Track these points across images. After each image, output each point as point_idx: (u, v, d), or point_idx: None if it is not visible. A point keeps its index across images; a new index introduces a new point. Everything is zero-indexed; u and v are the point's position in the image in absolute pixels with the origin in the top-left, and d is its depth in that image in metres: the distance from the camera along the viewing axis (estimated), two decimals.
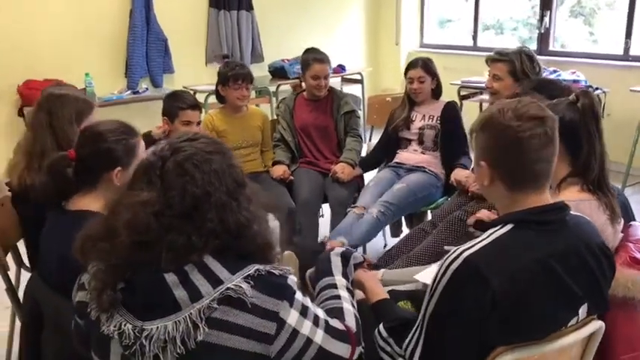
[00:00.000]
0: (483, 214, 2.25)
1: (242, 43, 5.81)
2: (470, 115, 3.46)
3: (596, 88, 4.49)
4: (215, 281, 1.15)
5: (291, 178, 3.33)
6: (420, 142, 3.30)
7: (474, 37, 6.37)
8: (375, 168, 3.53)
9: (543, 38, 5.74)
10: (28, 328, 1.90)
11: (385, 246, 3.57)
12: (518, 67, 2.87)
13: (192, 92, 5.00)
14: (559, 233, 1.35)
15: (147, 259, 1.15)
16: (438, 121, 3.26)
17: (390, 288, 1.88)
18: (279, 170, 3.33)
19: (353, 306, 1.43)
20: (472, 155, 3.14)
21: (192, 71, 5.61)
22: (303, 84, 3.54)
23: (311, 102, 3.50)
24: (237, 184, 1.24)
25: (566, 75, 4.72)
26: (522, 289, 1.27)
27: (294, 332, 1.20)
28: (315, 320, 1.25)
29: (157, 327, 1.13)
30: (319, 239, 2.88)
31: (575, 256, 1.34)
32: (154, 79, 5.38)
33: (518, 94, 2.48)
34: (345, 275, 1.53)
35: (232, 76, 3.28)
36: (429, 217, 3.16)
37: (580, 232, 1.39)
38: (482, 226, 1.42)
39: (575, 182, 1.78)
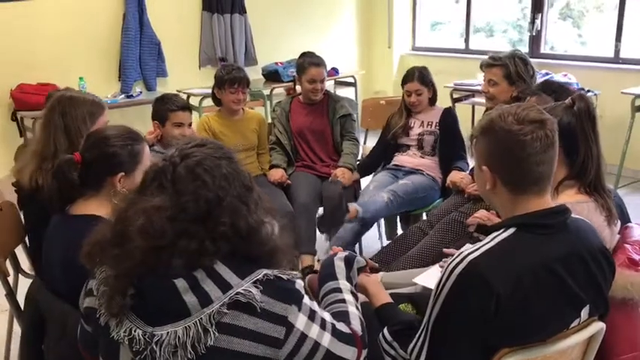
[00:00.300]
0: (482, 214, 2.29)
1: (235, 46, 5.81)
2: (462, 118, 3.50)
3: (588, 91, 4.54)
4: (224, 286, 1.16)
5: (289, 182, 3.34)
6: (420, 147, 3.33)
7: (466, 40, 6.41)
8: (372, 172, 3.55)
9: (535, 41, 5.78)
10: (29, 334, 1.90)
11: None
12: (512, 71, 2.91)
13: (186, 96, 5.05)
14: (561, 237, 1.37)
15: (158, 265, 1.15)
16: (437, 127, 3.29)
17: (390, 291, 1.90)
18: (277, 174, 3.34)
19: (358, 309, 1.44)
20: (469, 159, 3.19)
21: (186, 75, 5.60)
22: (297, 87, 3.55)
23: (307, 105, 3.51)
24: (246, 188, 1.26)
25: (557, 77, 4.77)
26: (526, 292, 1.29)
27: (303, 336, 1.21)
28: (323, 324, 1.26)
29: (168, 332, 1.14)
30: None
31: (577, 259, 1.36)
32: (148, 83, 5.37)
33: (520, 95, 2.52)
34: (348, 279, 1.54)
35: (229, 80, 3.27)
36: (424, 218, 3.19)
37: (581, 235, 1.41)
38: (485, 229, 1.43)
39: (572, 185, 1.80)
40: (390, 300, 1.61)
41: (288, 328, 1.19)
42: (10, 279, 2.27)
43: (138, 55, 5.24)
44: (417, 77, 3.27)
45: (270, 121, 3.70)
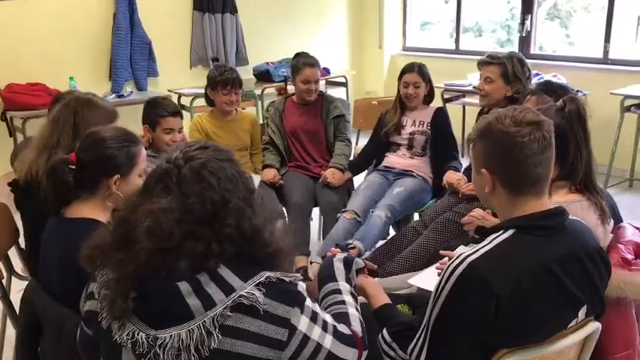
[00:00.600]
0: (478, 212, 2.31)
1: (226, 46, 5.79)
2: (453, 118, 3.52)
3: (578, 91, 4.58)
4: (228, 289, 1.16)
5: (281, 182, 3.34)
6: (410, 147, 3.33)
7: (457, 40, 6.43)
8: (364, 170, 3.56)
9: (524, 42, 5.81)
10: (25, 336, 1.88)
11: None
12: (509, 70, 2.94)
13: (177, 95, 5.03)
14: (559, 238, 1.39)
15: (162, 267, 1.15)
16: (429, 127, 3.30)
17: (386, 292, 1.91)
18: (270, 174, 3.33)
19: (358, 311, 1.45)
20: (462, 159, 3.20)
21: (177, 74, 5.57)
22: (289, 87, 3.55)
23: (301, 106, 3.51)
24: (249, 190, 1.26)
25: (547, 78, 4.81)
26: (526, 293, 1.30)
27: (305, 338, 1.21)
28: (324, 326, 1.27)
29: (171, 335, 1.13)
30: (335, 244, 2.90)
31: (575, 260, 1.38)
32: (139, 83, 5.34)
33: (518, 94, 2.53)
34: (348, 280, 1.55)
35: (221, 81, 3.27)
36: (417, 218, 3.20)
37: (578, 236, 1.43)
38: (484, 231, 1.45)
39: (563, 185, 1.83)
40: (388, 301, 1.62)
41: (291, 330, 1.19)
42: (3, 281, 2.26)
43: (129, 55, 5.21)
44: (417, 70, 3.28)
45: (261, 121, 3.70)
